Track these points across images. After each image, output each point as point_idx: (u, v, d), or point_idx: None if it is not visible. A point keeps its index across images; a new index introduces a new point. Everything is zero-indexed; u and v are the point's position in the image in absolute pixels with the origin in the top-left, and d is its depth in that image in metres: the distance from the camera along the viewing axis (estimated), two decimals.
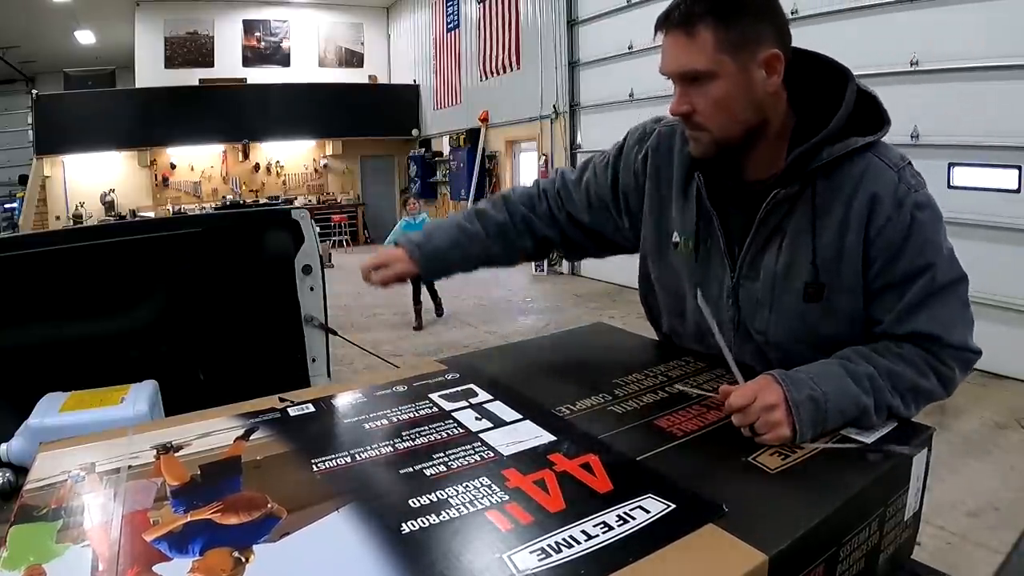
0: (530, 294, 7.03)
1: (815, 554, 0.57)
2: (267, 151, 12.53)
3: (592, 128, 7.86)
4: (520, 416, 0.76)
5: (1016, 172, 3.74)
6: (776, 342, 0.93)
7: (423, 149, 12.19)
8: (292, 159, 12.77)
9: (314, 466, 0.65)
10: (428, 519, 0.55)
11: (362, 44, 13.61)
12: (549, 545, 0.51)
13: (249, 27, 12.66)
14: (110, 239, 1.63)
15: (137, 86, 11.67)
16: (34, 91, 11.12)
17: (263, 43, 12.83)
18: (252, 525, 0.55)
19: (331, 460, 0.66)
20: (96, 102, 11.09)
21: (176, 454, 0.69)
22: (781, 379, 0.76)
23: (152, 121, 10.95)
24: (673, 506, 0.57)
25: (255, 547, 0.52)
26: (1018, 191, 3.73)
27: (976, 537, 2.27)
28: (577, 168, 1.17)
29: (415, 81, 12.65)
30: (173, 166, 12.01)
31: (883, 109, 0.91)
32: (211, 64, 12.41)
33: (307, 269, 1.77)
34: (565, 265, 8.23)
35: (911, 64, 4.10)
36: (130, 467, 0.67)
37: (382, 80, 13.48)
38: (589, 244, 1.15)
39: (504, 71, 9.51)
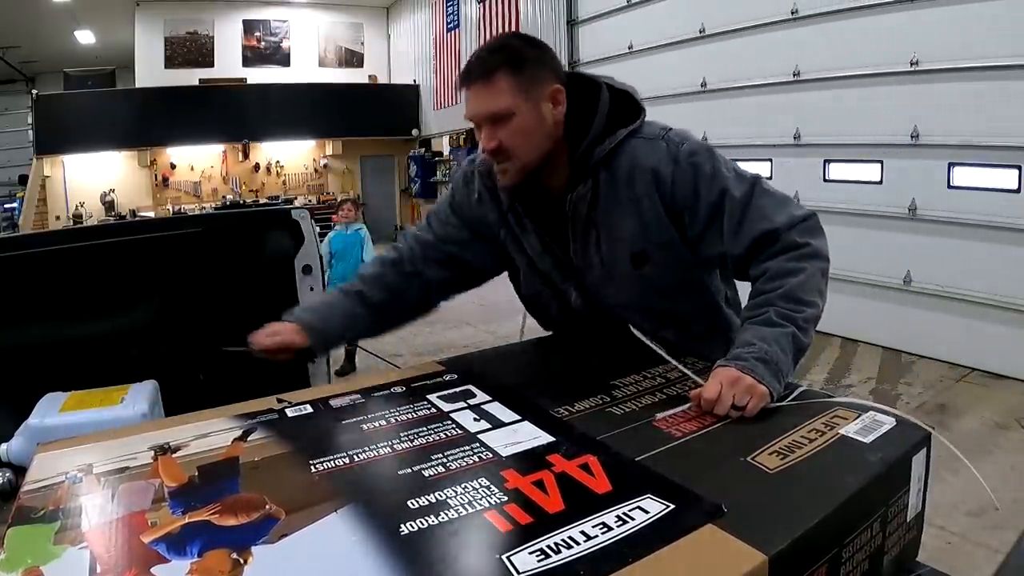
0: None
1: (816, 555, 0.56)
2: (267, 151, 12.53)
3: None
4: (519, 417, 0.76)
5: (1016, 172, 3.74)
6: (633, 305, 1.09)
7: (423, 149, 12.19)
8: (292, 159, 12.76)
9: (312, 467, 0.65)
10: (427, 520, 0.55)
11: (362, 44, 13.61)
12: (548, 546, 0.51)
13: (249, 27, 12.65)
14: (110, 239, 1.63)
15: (137, 86, 11.66)
16: (34, 91, 11.12)
17: (263, 43, 12.82)
18: (250, 526, 0.55)
19: (329, 461, 0.66)
20: (96, 102, 11.08)
21: (174, 455, 0.69)
22: (728, 361, 0.86)
23: (152, 121, 10.94)
24: (672, 506, 0.57)
25: (254, 548, 0.52)
26: (1018, 191, 3.73)
27: (976, 537, 2.27)
28: (419, 229, 1.28)
29: (415, 81, 12.65)
30: (173, 166, 12.01)
31: (638, 99, 1.09)
32: (211, 64, 12.41)
33: (307, 269, 1.77)
34: None
35: (911, 64, 4.10)
36: (128, 468, 0.67)
37: (382, 80, 13.47)
38: (459, 279, 1.26)
39: None
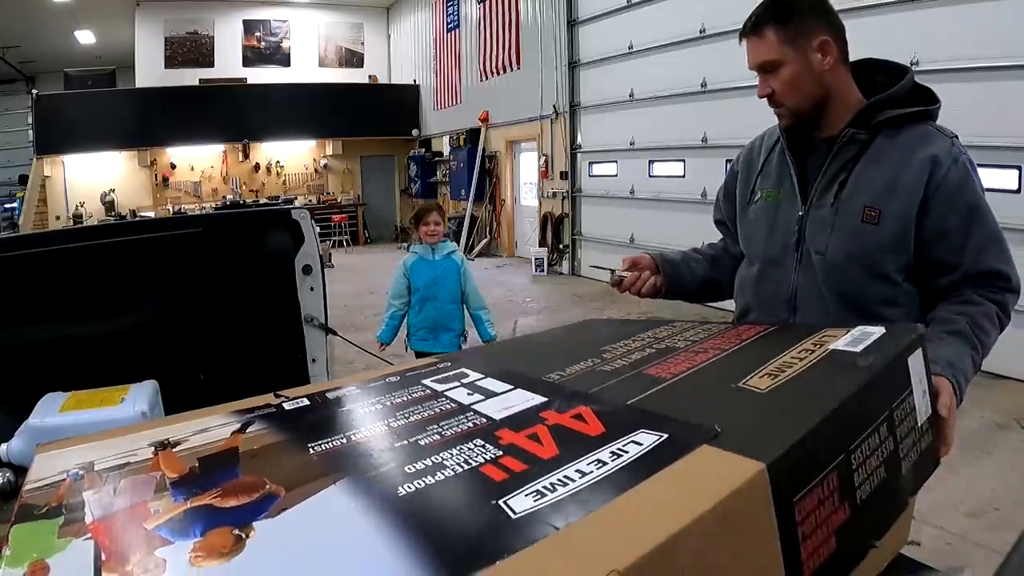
0: (530, 294, 7.03)
1: (821, 462, 0.55)
2: (267, 151, 12.53)
3: (592, 128, 7.86)
4: (511, 386, 0.76)
5: (1016, 172, 3.74)
6: (833, 261, 1.11)
7: (423, 149, 12.19)
8: (292, 159, 12.77)
9: (311, 449, 0.65)
10: (425, 480, 0.55)
11: (362, 44, 13.62)
12: (544, 487, 0.51)
13: (249, 27, 12.66)
14: (110, 239, 1.63)
15: (137, 86, 11.67)
16: (34, 91, 11.12)
17: (263, 43, 12.83)
18: (251, 505, 0.55)
19: (327, 443, 0.66)
20: (96, 102, 11.09)
21: (174, 449, 0.69)
22: (946, 374, 0.91)
23: (152, 121, 10.95)
24: (666, 435, 0.56)
25: (255, 523, 0.52)
26: (1018, 191, 3.73)
27: (976, 537, 2.27)
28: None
29: (415, 81, 12.66)
30: (173, 166, 12.01)
31: (935, 95, 1.16)
32: (211, 64, 12.42)
33: (307, 269, 1.77)
34: (565, 265, 8.24)
35: (911, 64, 4.10)
36: (128, 464, 0.67)
37: (382, 80, 13.48)
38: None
39: (504, 71, 9.51)
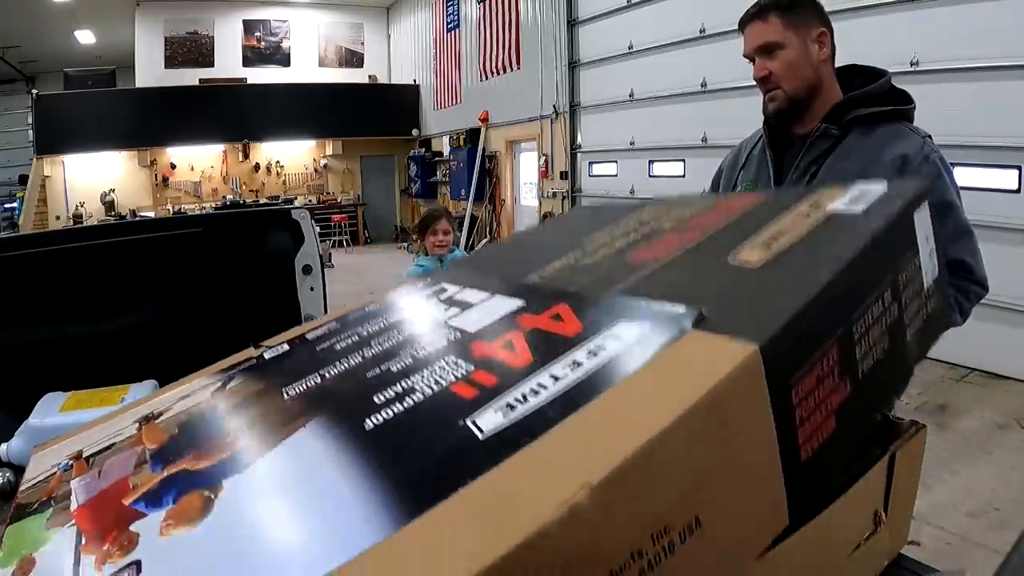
0: None
1: (820, 338, 0.48)
2: (267, 151, 12.53)
3: (592, 128, 7.86)
4: (488, 294, 0.70)
5: (1016, 172, 3.74)
6: None
7: (423, 149, 12.19)
8: (292, 159, 12.77)
9: (285, 394, 0.62)
10: (392, 409, 0.51)
11: (362, 44, 13.62)
12: (515, 398, 0.45)
13: (249, 27, 12.66)
14: (110, 239, 1.63)
15: (137, 86, 11.67)
16: (34, 91, 11.12)
17: (263, 43, 12.83)
18: (223, 463, 0.53)
19: (302, 384, 0.63)
20: (96, 102, 11.09)
21: (157, 420, 0.68)
22: None
23: (152, 121, 10.95)
24: (647, 325, 0.49)
25: (224, 481, 0.50)
26: (1018, 191, 3.73)
27: (976, 537, 2.27)
28: None
29: (415, 81, 12.66)
30: (173, 166, 12.01)
31: (910, 97, 1.23)
32: (211, 64, 12.42)
33: (307, 269, 1.77)
34: None
35: (911, 64, 4.10)
36: (114, 444, 0.66)
37: (382, 80, 13.48)
38: None
39: (504, 71, 9.51)
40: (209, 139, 11.77)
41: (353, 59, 13.52)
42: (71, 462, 0.66)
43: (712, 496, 0.41)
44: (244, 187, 12.32)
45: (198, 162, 12.16)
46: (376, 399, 0.53)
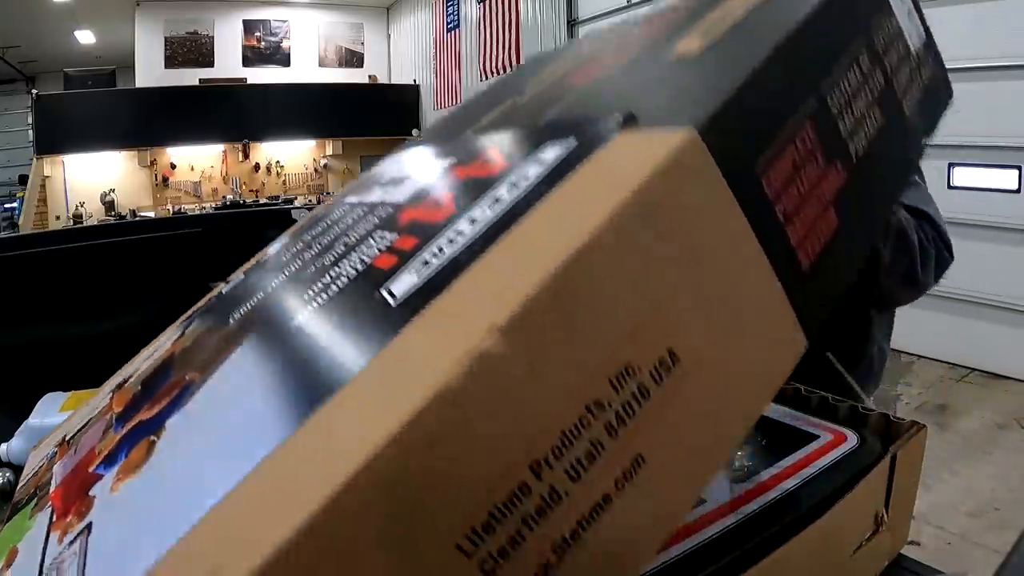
0: None
1: (782, 110, 0.40)
2: (267, 151, 12.53)
3: None
4: (422, 160, 0.65)
5: (1016, 172, 3.74)
6: None
7: None
8: (292, 159, 12.77)
9: (231, 319, 0.59)
10: (317, 302, 0.47)
11: (362, 44, 13.62)
12: (431, 253, 0.39)
13: (249, 27, 12.66)
14: (110, 239, 1.63)
15: (137, 86, 11.67)
16: (34, 91, 11.12)
17: (263, 43, 12.83)
18: (170, 404, 0.51)
19: (245, 306, 0.59)
20: (96, 102, 11.09)
21: (127, 384, 0.67)
22: None
23: (152, 121, 10.95)
24: (573, 139, 0.42)
25: (167, 422, 0.48)
26: (1018, 191, 3.73)
27: (976, 537, 2.27)
28: None
29: (415, 81, 12.66)
30: (173, 166, 12.01)
31: None
32: (211, 64, 12.42)
33: None
34: None
35: None
36: (90, 420, 0.66)
37: (382, 80, 13.48)
38: None
39: (504, 71, 9.51)
40: (209, 139, 11.77)
41: (353, 59, 13.52)
42: (56, 449, 0.66)
43: (687, 322, 0.33)
44: (244, 187, 12.32)
45: (198, 162, 12.16)
46: (304, 297, 0.49)
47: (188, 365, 0.56)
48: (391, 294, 0.38)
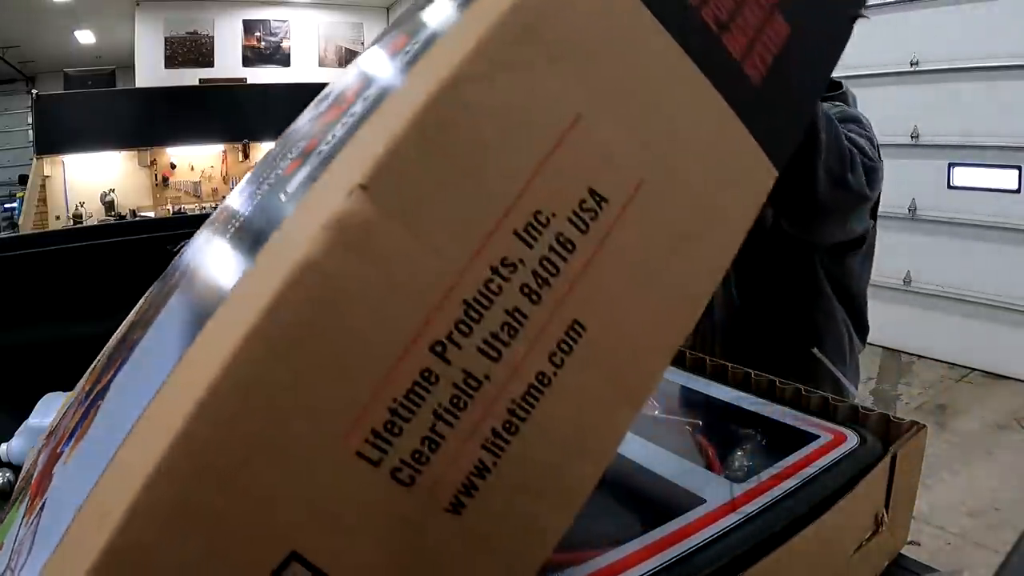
0: None
1: None
2: (267, 151, 12.54)
3: None
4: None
5: (1016, 172, 3.74)
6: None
7: None
8: None
9: (176, 273, 0.57)
10: (231, 229, 0.43)
11: (362, 44, 13.63)
12: (326, 143, 0.35)
13: (249, 27, 12.68)
14: (110, 239, 1.63)
15: (137, 86, 11.69)
16: (34, 91, 11.11)
17: (263, 43, 12.84)
18: (118, 367, 0.50)
19: (185, 266, 0.57)
20: (96, 102, 11.07)
21: (98, 362, 0.67)
22: None
23: (152, 121, 10.93)
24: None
25: (111, 386, 0.46)
26: (1018, 191, 3.73)
27: (976, 537, 2.27)
28: None
29: None
30: (173, 166, 11.99)
31: (839, 83, 1.23)
32: (211, 64, 12.43)
33: None
34: None
35: (911, 64, 4.10)
36: (69, 406, 0.66)
37: None
38: None
39: None
40: (209, 139, 11.75)
41: (353, 59, 13.51)
42: (43, 441, 0.67)
43: (608, 154, 0.27)
44: None
45: (198, 162, 12.14)
46: (226, 231, 0.46)
47: (139, 327, 0.54)
48: (285, 193, 0.34)
